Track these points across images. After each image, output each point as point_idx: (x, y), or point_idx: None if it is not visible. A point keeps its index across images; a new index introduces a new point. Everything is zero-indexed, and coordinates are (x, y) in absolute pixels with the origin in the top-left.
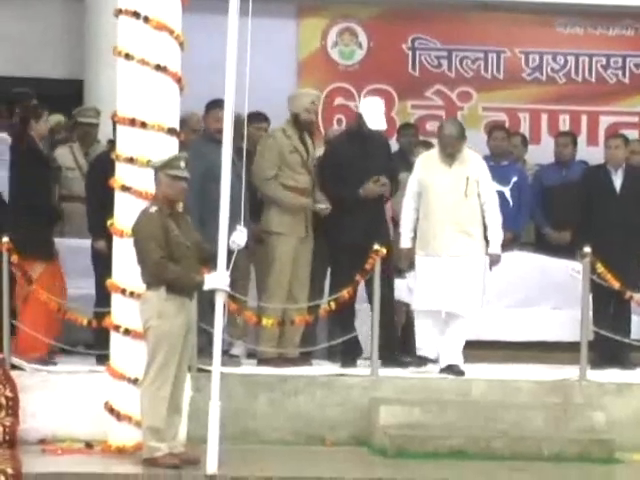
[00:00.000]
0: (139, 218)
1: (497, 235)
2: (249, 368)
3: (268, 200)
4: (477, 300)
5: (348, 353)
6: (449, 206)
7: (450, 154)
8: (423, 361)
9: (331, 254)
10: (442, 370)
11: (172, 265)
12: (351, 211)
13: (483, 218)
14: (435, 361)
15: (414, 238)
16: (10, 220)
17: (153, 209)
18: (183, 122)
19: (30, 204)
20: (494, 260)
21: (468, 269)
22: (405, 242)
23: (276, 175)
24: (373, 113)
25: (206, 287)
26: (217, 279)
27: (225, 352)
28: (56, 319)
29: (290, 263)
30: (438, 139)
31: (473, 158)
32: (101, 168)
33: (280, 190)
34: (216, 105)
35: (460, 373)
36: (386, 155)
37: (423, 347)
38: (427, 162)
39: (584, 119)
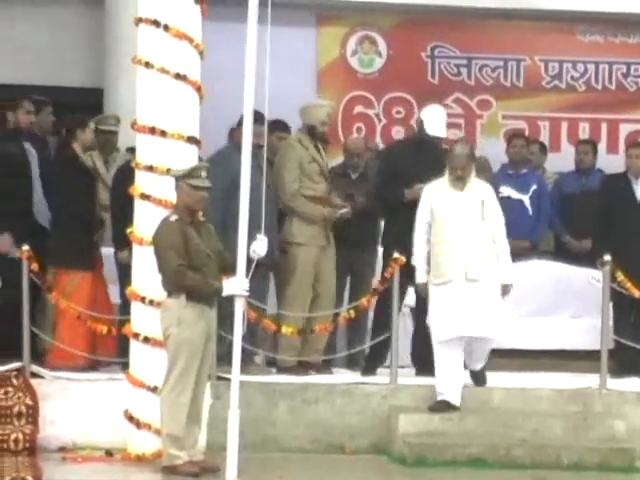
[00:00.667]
0: (159, 227)
1: (508, 264)
2: (269, 377)
3: (292, 213)
4: (501, 322)
5: (372, 360)
6: (467, 230)
7: (460, 177)
8: (444, 406)
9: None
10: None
11: (191, 273)
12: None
13: None
14: (458, 407)
15: (428, 271)
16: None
17: (173, 218)
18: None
19: (73, 214)
20: (506, 291)
21: (490, 292)
22: (421, 276)
23: (300, 188)
24: (434, 120)
25: (225, 293)
26: (236, 285)
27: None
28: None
29: (311, 273)
30: (448, 162)
31: (481, 183)
32: (124, 178)
33: (305, 204)
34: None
35: (482, 381)
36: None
37: (445, 391)
38: (436, 190)
39: (604, 127)
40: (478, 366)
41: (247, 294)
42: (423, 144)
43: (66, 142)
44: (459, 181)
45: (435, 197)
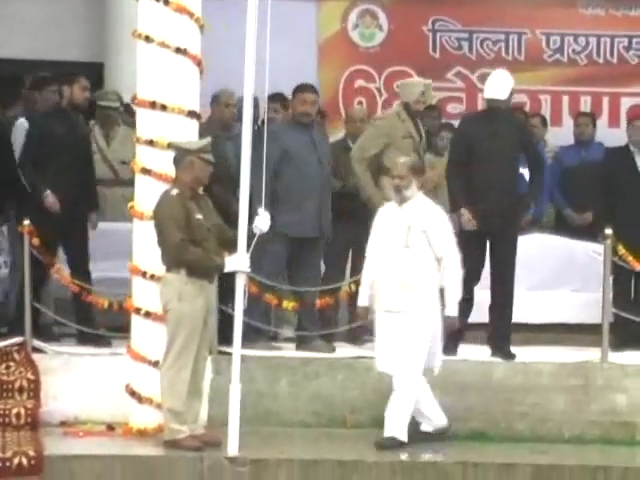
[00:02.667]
0: (160, 201)
1: (454, 296)
2: (270, 351)
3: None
4: (414, 362)
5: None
6: (389, 257)
7: (397, 188)
8: (393, 443)
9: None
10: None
11: (192, 247)
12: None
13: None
14: (405, 443)
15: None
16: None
17: (174, 192)
18: (215, 98)
19: None
20: (449, 324)
21: (408, 326)
22: (362, 299)
23: (375, 155)
24: (493, 83)
25: (226, 269)
26: (238, 261)
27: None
28: None
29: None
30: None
31: (428, 207)
32: None
33: (365, 176)
34: (301, 89)
35: (393, 446)
36: (517, 133)
37: (423, 420)
38: (385, 210)
39: (605, 101)
40: (387, 426)
41: (248, 270)
42: (493, 114)
43: None
44: (397, 193)
45: (381, 217)
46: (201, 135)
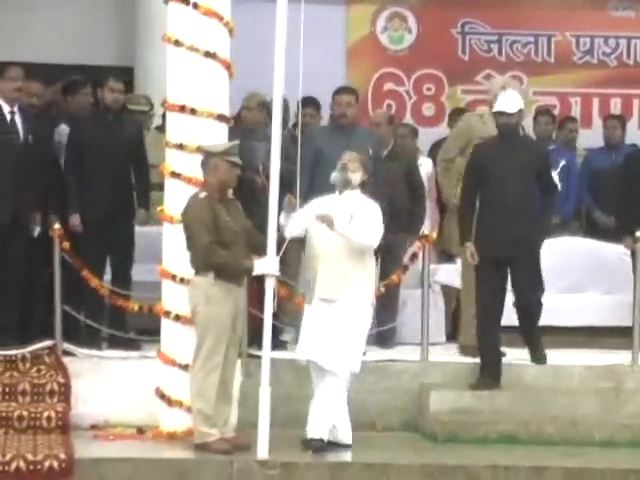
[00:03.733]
0: (188, 204)
1: (344, 227)
2: None
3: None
4: (352, 357)
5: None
6: (329, 244)
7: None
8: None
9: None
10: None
11: (221, 250)
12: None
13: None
14: (325, 443)
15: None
16: None
17: (202, 194)
18: (243, 101)
19: None
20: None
21: (344, 316)
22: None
23: (456, 156)
24: (504, 98)
25: (255, 272)
26: (266, 264)
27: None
28: None
29: None
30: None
31: (365, 199)
32: None
33: (442, 176)
34: (337, 91)
35: (320, 449)
36: (532, 157)
37: (310, 424)
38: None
39: (636, 103)
40: (315, 426)
41: (278, 274)
42: (507, 137)
43: None
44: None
45: (322, 200)
46: (231, 138)
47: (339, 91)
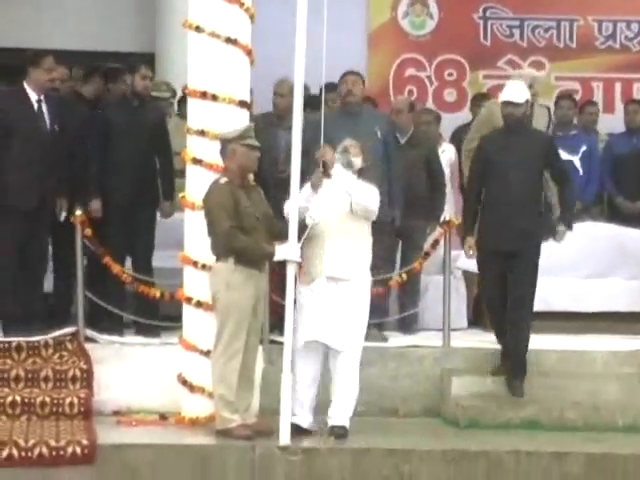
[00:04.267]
0: (209, 189)
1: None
2: None
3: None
4: (361, 336)
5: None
6: (333, 222)
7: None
8: (293, 428)
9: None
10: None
11: (242, 235)
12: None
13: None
14: (310, 431)
15: None
16: None
17: (223, 180)
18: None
19: None
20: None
21: (351, 296)
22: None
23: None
24: (510, 88)
25: (276, 258)
26: (288, 250)
27: None
28: None
29: None
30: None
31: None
32: None
33: (466, 167)
34: (344, 74)
35: (343, 436)
36: (539, 147)
37: (299, 412)
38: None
39: None
40: (338, 413)
41: (299, 260)
42: (513, 128)
43: None
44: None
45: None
46: (257, 123)
47: (344, 74)
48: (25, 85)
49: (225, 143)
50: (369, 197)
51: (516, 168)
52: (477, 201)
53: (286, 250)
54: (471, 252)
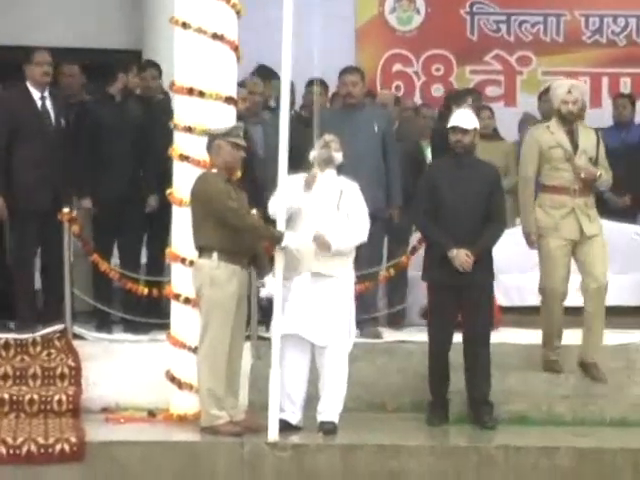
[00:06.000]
0: (200, 179)
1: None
2: None
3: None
4: (349, 333)
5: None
6: (320, 219)
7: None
8: (283, 425)
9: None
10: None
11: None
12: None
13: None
14: (299, 427)
15: None
16: None
17: (213, 170)
18: (240, 84)
19: None
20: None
21: (336, 292)
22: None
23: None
24: (462, 113)
25: (284, 243)
26: (296, 238)
27: None
28: None
29: None
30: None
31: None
32: None
33: (523, 193)
34: (341, 71)
35: (332, 432)
36: (486, 183)
37: (287, 408)
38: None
39: None
40: (327, 409)
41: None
42: (462, 159)
43: None
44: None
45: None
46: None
47: (344, 71)
48: (27, 84)
49: (211, 138)
50: (360, 233)
51: (463, 201)
52: (432, 220)
53: (294, 237)
54: (465, 260)
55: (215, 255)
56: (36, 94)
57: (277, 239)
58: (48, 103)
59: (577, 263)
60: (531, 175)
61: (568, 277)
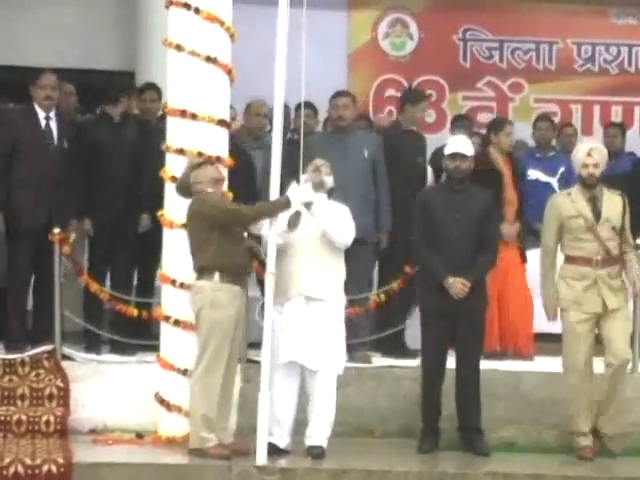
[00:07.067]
0: (199, 197)
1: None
2: None
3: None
4: (339, 357)
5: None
6: (309, 241)
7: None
8: (271, 449)
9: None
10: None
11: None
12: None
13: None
14: (287, 451)
15: None
16: None
17: (209, 190)
18: (247, 107)
19: None
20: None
21: (328, 316)
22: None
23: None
24: (459, 139)
25: (293, 200)
26: (301, 191)
27: None
28: None
29: None
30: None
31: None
32: None
33: (544, 267)
34: (333, 95)
35: (320, 457)
36: (481, 210)
37: (276, 432)
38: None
39: (637, 110)
40: (316, 433)
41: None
42: (456, 185)
43: None
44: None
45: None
46: (230, 141)
47: (336, 94)
48: (34, 103)
49: (185, 183)
50: (341, 233)
51: (457, 227)
52: (429, 248)
53: (299, 191)
54: (461, 289)
55: (217, 276)
56: (41, 114)
57: (286, 204)
58: (52, 123)
59: (601, 337)
60: (551, 245)
61: (591, 355)
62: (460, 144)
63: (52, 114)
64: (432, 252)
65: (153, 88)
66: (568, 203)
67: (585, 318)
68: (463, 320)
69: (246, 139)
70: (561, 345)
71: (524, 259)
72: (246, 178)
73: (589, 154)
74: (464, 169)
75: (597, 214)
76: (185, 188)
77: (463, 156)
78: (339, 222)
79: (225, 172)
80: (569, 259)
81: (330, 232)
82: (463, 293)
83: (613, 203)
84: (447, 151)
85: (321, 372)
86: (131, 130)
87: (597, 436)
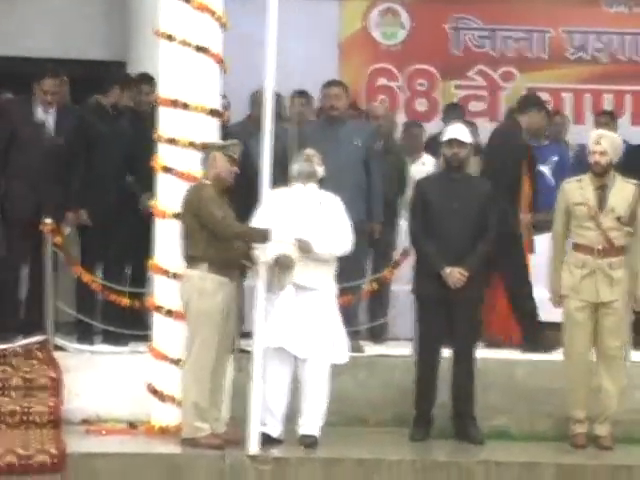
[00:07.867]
0: (193, 189)
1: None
2: None
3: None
4: (326, 341)
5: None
6: (301, 231)
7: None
8: (265, 439)
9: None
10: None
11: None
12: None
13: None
14: (280, 441)
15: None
16: None
17: (206, 182)
18: (252, 96)
19: None
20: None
21: (319, 305)
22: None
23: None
24: (457, 127)
25: (270, 248)
26: (281, 246)
27: None
28: None
29: None
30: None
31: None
32: None
33: (555, 250)
34: (325, 84)
35: (313, 446)
36: (479, 197)
37: (269, 421)
38: (284, 191)
39: (628, 99)
40: (308, 422)
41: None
42: (454, 173)
43: None
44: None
45: (280, 192)
46: (236, 133)
47: (328, 84)
48: (33, 96)
49: (208, 150)
50: (342, 243)
51: (455, 216)
52: (429, 238)
53: (280, 246)
54: (459, 279)
55: (205, 266)
56: (39, 106)
57: (264, 237)
58: (50, 117)
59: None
60: (559, 230)
61: (591, 342)
62: (458, 131)
63: (52, 109)
64: (430, 241)
65: (148, 80)
66: (576, 190)
67: (582, 306)
68: (459, 308)
69: (251, 128)
70: (557, 334)
71: (532, 249)
72: (241, 167)
73: (597, 142)
74: (462, 156)
75: (603, 203)
76: (205, 149)
77: (461, 143)
78: (337, 247)
79: None
80: (575, 246)
81: (330, 255)
82: (461, 283)
83: (623, 193)
84: (444, 138)
85: (311, 361)
86: (125, 121)
87: (592, 439)
